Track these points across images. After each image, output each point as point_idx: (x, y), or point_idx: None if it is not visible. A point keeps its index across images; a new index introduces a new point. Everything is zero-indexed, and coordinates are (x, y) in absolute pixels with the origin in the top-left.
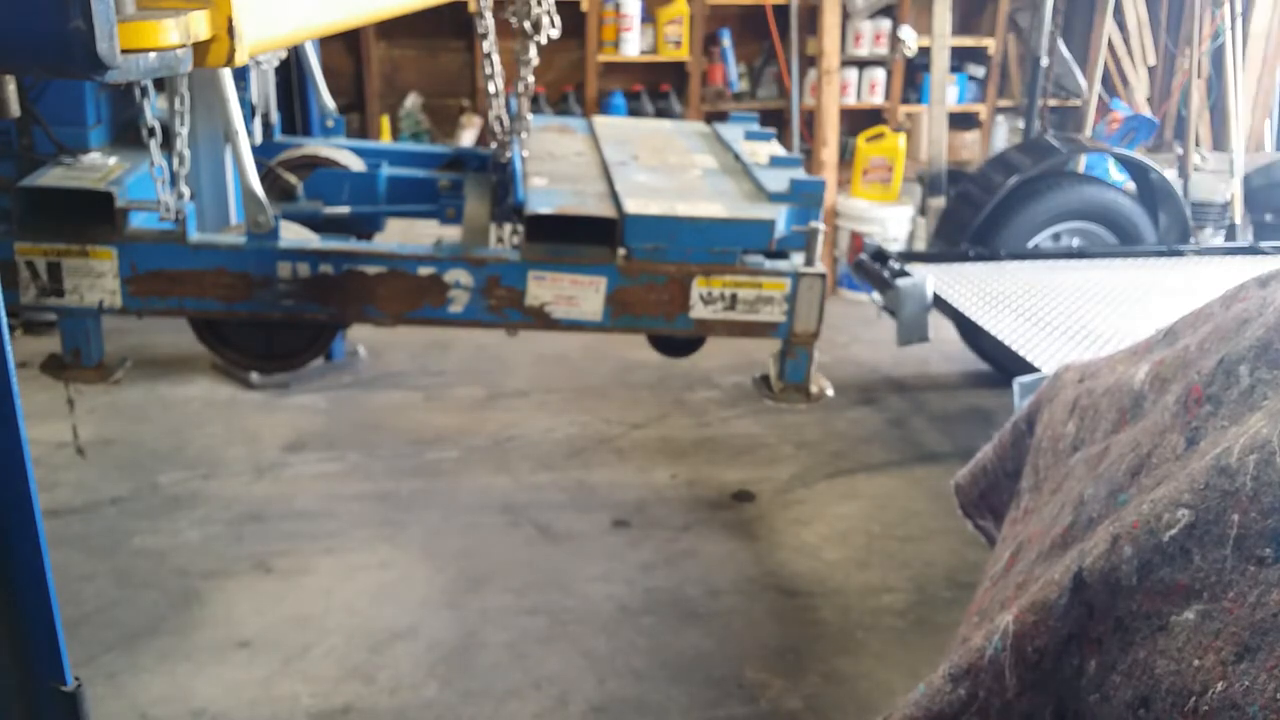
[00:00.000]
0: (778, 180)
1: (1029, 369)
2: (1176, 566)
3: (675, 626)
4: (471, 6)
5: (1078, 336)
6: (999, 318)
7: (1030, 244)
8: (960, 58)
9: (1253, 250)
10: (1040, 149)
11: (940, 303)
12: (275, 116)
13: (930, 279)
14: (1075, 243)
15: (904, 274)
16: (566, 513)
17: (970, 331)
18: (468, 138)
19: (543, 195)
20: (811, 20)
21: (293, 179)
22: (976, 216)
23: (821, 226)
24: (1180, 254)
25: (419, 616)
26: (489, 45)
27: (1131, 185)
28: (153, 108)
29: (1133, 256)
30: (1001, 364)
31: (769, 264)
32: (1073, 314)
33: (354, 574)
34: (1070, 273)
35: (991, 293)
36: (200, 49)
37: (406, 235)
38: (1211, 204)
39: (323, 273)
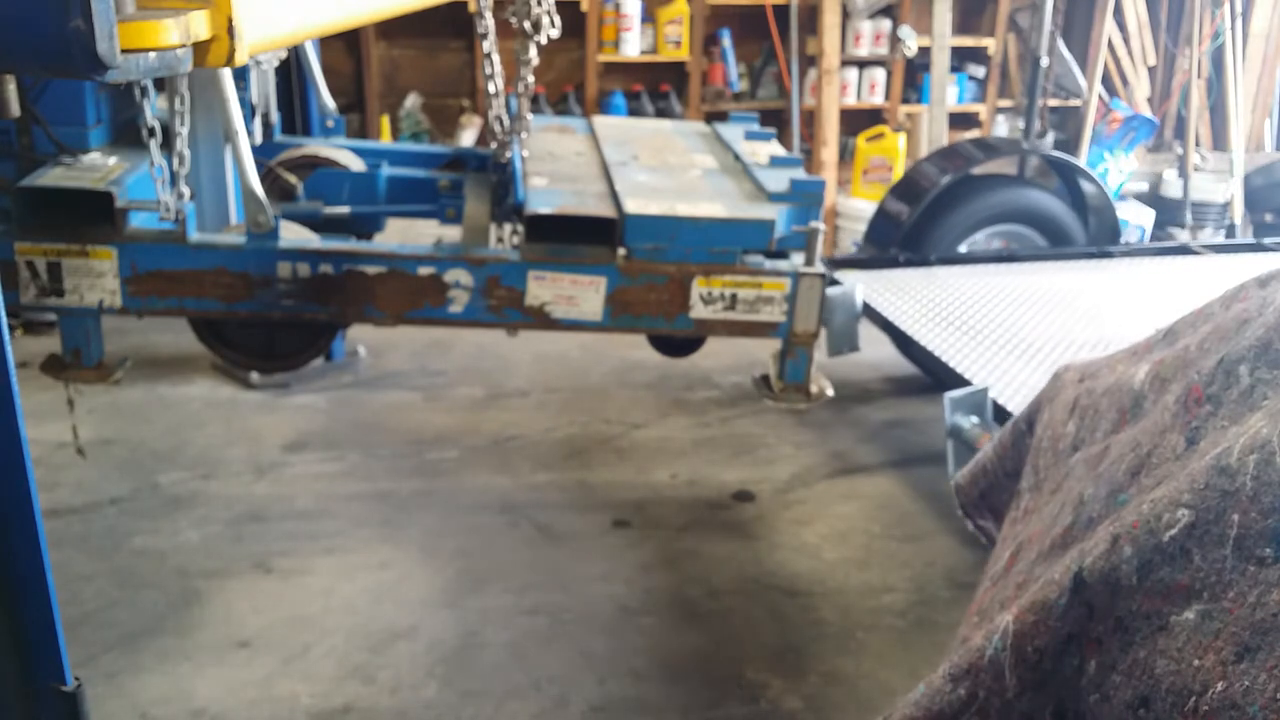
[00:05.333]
0: (778, 180)
1: (959, 379)
2: (1176, 566)
3: (675, 626)
4: (471, 6)
5: (1009, 345)
6: (929, 326)
7: (961, 248)
8: (960, 58)
9: (1185, 250)
10: (964, 152)
11: (870, 311)
12: (275, 116)
13: (860, 287)
14: (1006, 246)
15: (834, 282)
16: (566, 513)
17: (903, 341)
18: (468, 138)
19: (543, 195)
20: (811, 20)
21: (293, 179)
22: (906, 221)
23: (821, 226)
24: (1110, 255)
25: (419, 616)
26: (489, 45)
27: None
28: (153, 108)
29: (1062, 259)
30: (934, 373)
31: (769, 264)
32: (1002, 320)
33: (354, 574)
34: (1000, 277)
35: (922, 300)
36: (200, 49)
37: (406, 235)
38: (1211, 204)
39: (323, 273)
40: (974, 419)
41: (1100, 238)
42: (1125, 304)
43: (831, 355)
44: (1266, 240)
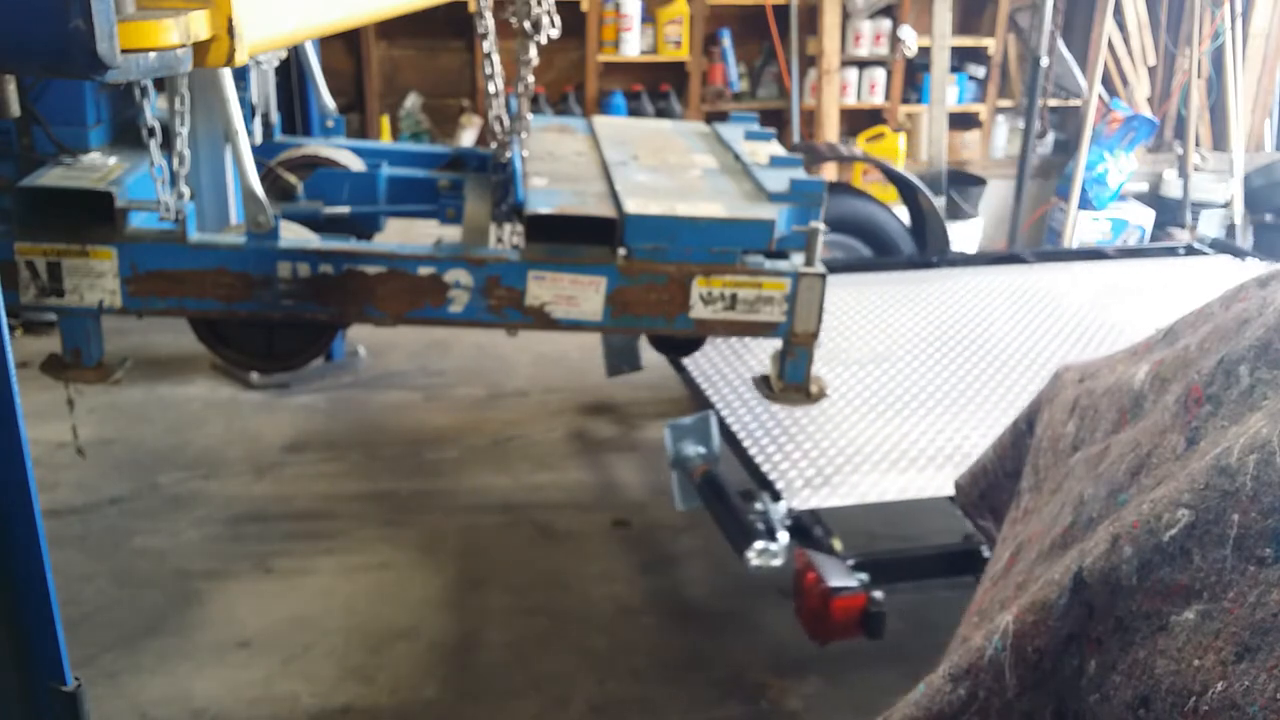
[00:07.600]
0: (778, 180)
1: (706, 401)
2: (1176, 566)
3: (675, 626)
4: (471, 6)
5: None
6: (706, 347)
7: None
8: (960, 58)
9: (1013, 259)
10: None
11: None
12: (275, 116)
13: None
14: (832, 255)
15: None
16: (566, 513)
17: (678, 364)
18: (468, 138)
19: (543, 195)
20: (811, 20)
21: (293, 179)
22: None
23: (821, 226)
24: (933, 265)
25: (419, 616)
26: (489, 45)
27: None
28: (153, 108)
29: (883, 270)
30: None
31: (769, 264)
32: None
33: (354, 574)
34: None
35: None
36: (200, 49)
37: (406, 235)
38: (1211, 204)
39: (323, 273)
40: (701, 449)
41: (933, 249)
42: (942, 314)
43: (610, 375)
44: (1104, 247)
